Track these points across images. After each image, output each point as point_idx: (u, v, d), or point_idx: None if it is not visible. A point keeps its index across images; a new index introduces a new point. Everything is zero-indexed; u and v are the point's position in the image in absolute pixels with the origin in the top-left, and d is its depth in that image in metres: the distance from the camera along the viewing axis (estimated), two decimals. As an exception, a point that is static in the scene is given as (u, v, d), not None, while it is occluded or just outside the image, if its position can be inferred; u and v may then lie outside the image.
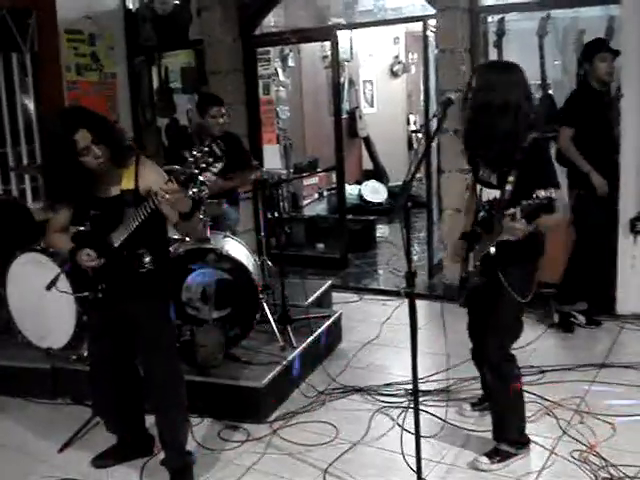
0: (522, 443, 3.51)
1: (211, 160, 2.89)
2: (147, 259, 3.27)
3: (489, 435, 3.58)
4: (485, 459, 3.45)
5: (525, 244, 3.25)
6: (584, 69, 4.96)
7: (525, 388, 3.58)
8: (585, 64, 4.93)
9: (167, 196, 2.95)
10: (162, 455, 3.52)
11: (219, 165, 3.06)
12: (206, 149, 2.88)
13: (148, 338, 3.37)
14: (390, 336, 5.17)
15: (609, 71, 4.89)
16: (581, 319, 5.18)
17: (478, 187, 3.41)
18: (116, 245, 3.18)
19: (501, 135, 3.14)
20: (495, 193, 3.26)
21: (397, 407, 4.10)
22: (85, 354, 4.38)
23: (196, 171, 2.90)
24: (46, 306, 4.50)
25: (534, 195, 2.86)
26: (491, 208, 3.27)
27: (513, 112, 3.12)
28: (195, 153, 2.88)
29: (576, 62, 5.12)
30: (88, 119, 3.15)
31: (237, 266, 4.41)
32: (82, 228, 3.47)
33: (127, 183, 3.23)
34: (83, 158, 3.10)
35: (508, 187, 3.11)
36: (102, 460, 3.70)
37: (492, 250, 3.23)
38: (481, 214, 3.36)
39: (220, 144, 2.92)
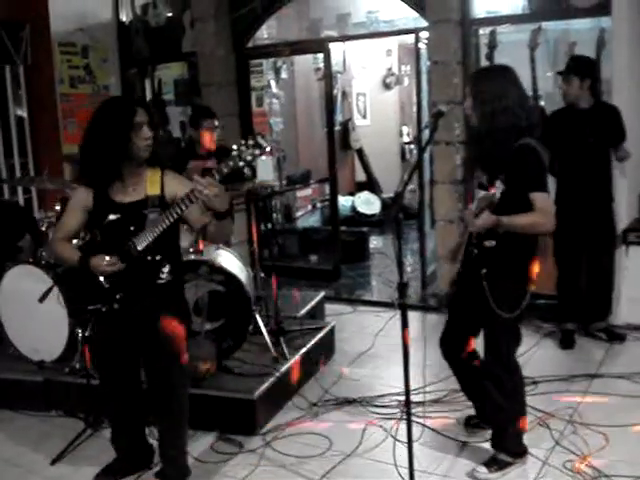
0: (520, 453, 3.52)
1: (257, 152, 2.93)
2: (166, 269, 3.24)
3: (482, 445, 3.60)
4: (483, 469, 3.46)
5: (513, 255, 3.28)
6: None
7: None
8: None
9: (206, 191, 2.90)
10: (157, 467, 3.50)
11: (265, 157, 3.08)
12: (251, 142, 2.92)
13: (163, 349, 3.27)
14: (383, 347, 5.16)
15: None
16: (602, 335, 5.13)
17: (476, 192, 3.43)
18: (140, 249, 3.12)
19: (491, 136, 3.24)
20: None
21: (390, 418, 4.09)
22: (77, 366, 4.38)
23: (241, 164, 2.93)
24: (38, 318, 4.49)
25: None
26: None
27: (504, 115, 3.21)
28: (239, 147, 2.91)
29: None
30: (146, 105, 3.35)
31: (230, 278, 4.43)
32: (76, 241, 3.47)
33: (152, 189, 3.22)
34: (137, 133, 3.11)
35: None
36: (106, 476, 3.58)
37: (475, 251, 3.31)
38: None
39: (265, 136, 2.96)
